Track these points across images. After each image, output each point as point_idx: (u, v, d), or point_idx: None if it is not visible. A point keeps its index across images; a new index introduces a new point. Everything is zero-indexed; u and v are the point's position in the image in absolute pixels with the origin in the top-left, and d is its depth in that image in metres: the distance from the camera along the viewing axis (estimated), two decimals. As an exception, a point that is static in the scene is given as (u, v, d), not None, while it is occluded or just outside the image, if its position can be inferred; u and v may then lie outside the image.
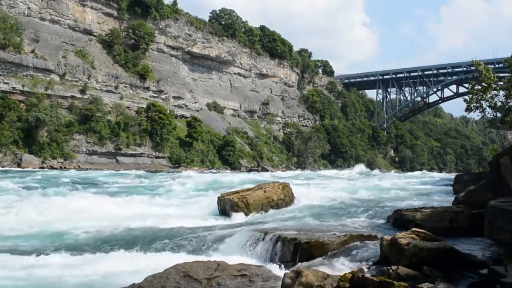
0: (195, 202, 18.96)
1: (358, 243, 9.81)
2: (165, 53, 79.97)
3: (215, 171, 63.50)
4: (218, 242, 11.29)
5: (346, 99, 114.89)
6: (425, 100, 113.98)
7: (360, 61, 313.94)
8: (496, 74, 24.78)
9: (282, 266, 9.14)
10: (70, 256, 10.04)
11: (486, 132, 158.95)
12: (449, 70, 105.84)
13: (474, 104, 23.89)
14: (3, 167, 45.31)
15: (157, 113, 65.67)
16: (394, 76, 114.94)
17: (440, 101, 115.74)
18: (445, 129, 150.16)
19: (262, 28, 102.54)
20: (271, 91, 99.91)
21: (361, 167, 69.07)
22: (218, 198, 16.01)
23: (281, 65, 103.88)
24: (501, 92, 24.23)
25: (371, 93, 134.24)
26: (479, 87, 24.07)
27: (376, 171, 66.94)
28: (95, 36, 69.40)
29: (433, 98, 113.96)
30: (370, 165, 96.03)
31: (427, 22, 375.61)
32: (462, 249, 8.10)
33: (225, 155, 73.33)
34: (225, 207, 15.48)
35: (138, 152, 63.28)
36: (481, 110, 23.97)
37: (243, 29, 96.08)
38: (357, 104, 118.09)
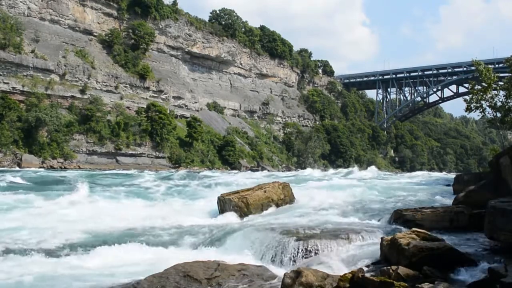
0: (195, 202, 18.97)
1: (358, 243, 9.82)
2: (165, 53, 79.96)
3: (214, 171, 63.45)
4: (218, 242, 11.30)
5: (346, 99, 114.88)
6: (425, 100, 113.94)
7: (360, 61, 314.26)
8: (496, 74, 24.74)
9: (282, 265, 9.14)
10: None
11: (486, 132, 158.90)
12: (449, 70, 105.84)
13: (474, 104, 23.83)
14: (3, 167, 45.27)
15: (157, 113, 65.66)
16: (394, 76, 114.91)
17: (440, 101, 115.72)
18: (445, 129, 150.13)
19: (262, 28, 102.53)
20: (271, 91, 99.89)
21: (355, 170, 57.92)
22: (218, 198, 15.99)
23: (281, 65, 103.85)
24: (501, 92, 24.21)
25: (371, 93, 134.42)
26: (479, 87, 24.04)
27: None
28: (95, 36, 69.39)
29: (433, 98, 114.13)
30: (370, 165, 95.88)
31: (426, 22, 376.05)
32: (462, 249, 8.11)
33: (225, 155, 73.33)
34: (225, 207, 15.47)
35: (138, 152, 63.27)
36: (481, 110, 23.91)
37: (243, 29, 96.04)
38: (357, 104, 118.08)
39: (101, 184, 27.17)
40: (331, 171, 58.84)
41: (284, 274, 7.30)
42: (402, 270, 6.90)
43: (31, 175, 31.95)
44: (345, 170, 56.34)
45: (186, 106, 79.65)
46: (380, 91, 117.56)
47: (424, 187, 27.49)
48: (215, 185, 25.66)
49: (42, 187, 23.48)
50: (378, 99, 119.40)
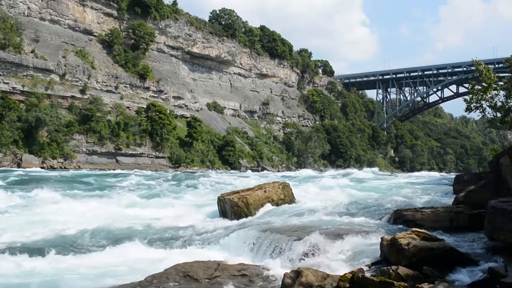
0: (195, 202, 18.98)
1: (358, 243, 9.82)
2: (165, 53, 79.93)
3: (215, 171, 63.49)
4: (218, 242, 11.30)
5: (346, 99, 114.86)
6: (425, 100, 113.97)
7: (360, 61, 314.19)
8: (496, 74, 24.72)
9: (282, 265, 9.14)
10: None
11: (486, 132, 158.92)
12: (449, 70, 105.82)
13: (474, 104, 23.77)
14: (3, 167, 45.25)
15: (157, 113, 65.64)
16: (394, 76, 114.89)
17: (440, 101, 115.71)
18: (445, 129, 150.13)
19: (262, 28, 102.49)
20: (271, 91, 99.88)
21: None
22: (218, 198, 16.00)
23: (281, 65, 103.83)
24: (501, 92, 24.20)
25: (371, 93, 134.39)
26: (479, 87, 23.99)
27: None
28: (95, 36, 69.35)
29: (433, 98, 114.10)
30: (370, 165, 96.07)
31: (425, 22, 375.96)
32: (462, 249, 8.11)
33: (225, 155, 73.31)
34: (225, 207, 15.48)
35: (138, 152, 63.24)
36: (481, 110, 23.86)
37: (243, 29, 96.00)
38: (357, 104, 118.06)
39: (83, 184, 27.03)
40: (328, 172, 59.01)
41: (284, 274, 7.30)
42: (402, 270, 6.91)
43: (9, 175, 31.72)
44: (342, 172, 56.53)
45: (186, 106, 79.64)
46: (380, 91, 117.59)
47: (424, 186, 27.51)
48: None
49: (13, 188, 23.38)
50: (378, 99, 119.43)
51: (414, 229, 8.76)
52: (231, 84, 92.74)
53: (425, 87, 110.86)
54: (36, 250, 10.67)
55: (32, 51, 57.24)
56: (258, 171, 68.53)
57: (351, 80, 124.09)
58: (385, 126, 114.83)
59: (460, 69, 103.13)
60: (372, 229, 11.08)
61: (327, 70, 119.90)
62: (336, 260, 8.82)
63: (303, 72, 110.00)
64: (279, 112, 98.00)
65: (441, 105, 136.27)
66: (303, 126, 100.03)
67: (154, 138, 64.97)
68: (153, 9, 75.84)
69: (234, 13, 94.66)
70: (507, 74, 41.13)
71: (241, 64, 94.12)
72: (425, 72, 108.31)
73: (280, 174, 56.23)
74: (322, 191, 21.70)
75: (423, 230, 8.62)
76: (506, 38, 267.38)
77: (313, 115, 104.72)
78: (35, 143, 52.22)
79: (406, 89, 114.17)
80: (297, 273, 7.16)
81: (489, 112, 24.17)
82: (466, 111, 24.69)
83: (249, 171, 63.64)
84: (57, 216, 14.97)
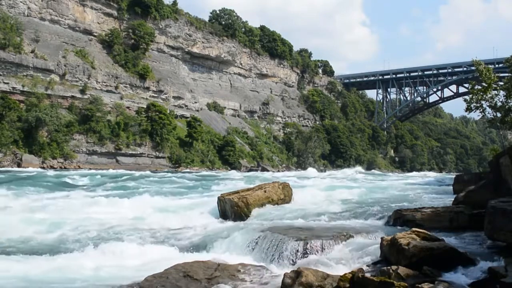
0: (196, 203, 18.97)
1: (358, 242, 9.82)
2: (165, 53, 79.89)
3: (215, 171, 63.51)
4: (217, 241, 11.29)
5: (346, 99, 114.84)
6: (425, 100, 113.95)
7: (360, 61, 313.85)
8: (496, 74, 24.71)
9: (282, 265, 9.14)
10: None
11: (486, 132, 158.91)
12: (449, 70, 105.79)
13: (474, 104, 23.75)
14: (3, 167, 45.25)
15: (157, 113, 65.61)
16: (394, 76, 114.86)
17: (440, 101, 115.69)
18: (445, 129, 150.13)
19: (262, 28, 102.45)
20: (271, 91, 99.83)
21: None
22: (218, 198, 16.00)
23: (281, 65, 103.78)
24: (501, 92, 24.19)
25: (371, 93, 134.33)
26: (479, 87, 23.99)
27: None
28: (95, 36, 69.31)
29: (433, 98, 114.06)
30: (370, 165, 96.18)
31: (425, 22, 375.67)
32: (462, 249, 8.11)
33: (225, 155, 73.30)
34: (225, 207, 15.48)
35: (138, 152, 63.22)
36: (481, 110, 23.84)
37: (243, 29, 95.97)
38: (357, 104, 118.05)
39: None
40: (325, 173, 59.34)
41: (284, 274, 7.30)
42: (402, 270, 6.91)
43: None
44: (334, 172, 56.85)
45: (186, 106, 79.61)
46: (380, 91, 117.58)
47: (424, 187, 27.51)
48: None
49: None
50: (378, 99, 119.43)
51: (414, 229, 8.76)
52: (231, 84, 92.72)
53: (425, 87, 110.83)
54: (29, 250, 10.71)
55: (32, 51, 57.22)
56: (258, 171, 68.56)
57: (351, 80, 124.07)
58: (385, 126, 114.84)
59: (460, 69, 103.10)
60: (372, 229, 11.09)
61: (327, 70, 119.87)
62: (336, 260, 8.82)
63: (303, 72, 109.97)
64: (279, 112, 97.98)
65: (441, 105, 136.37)
66: (303, 126, 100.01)
67: (154, 138, 64.96)
68: (153, 9, 75.81)
69: (234, 13, 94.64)
70: (507, 74, 41.11)
71: (241, 64, 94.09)
72: (425, 72, 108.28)
73: (273, 174, 54.48)
74: (322, 191, 21.69)
75: (423, 230, 8.62)
76: (506, 38, 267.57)
77: (313, 115, 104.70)
78: (35, 143, 52.20)
79: (406, 89, 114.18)
80: (297, 273, 7.16)
81: (489, 112, 24.17)
82: (466, 111, 24.69)
83: (250, 171, 63.64)
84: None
